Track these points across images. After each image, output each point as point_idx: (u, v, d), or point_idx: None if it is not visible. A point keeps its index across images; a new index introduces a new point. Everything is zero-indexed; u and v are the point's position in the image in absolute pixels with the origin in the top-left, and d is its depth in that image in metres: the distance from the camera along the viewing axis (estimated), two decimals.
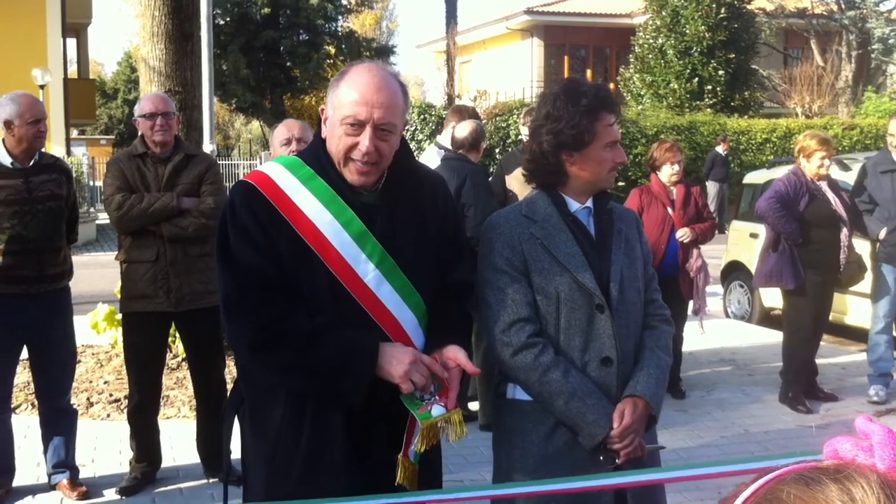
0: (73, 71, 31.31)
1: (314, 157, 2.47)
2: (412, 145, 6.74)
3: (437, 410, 2.40)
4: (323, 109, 2.46)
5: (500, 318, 2.63)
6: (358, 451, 2.40)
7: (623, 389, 2.64)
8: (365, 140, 2.32)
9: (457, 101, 22.04)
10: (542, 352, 2.60)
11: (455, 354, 2.44)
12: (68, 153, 22.03)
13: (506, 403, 2.77)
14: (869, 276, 6.82)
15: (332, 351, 2.33)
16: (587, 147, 2.62)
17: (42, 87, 20.66)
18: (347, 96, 2.34)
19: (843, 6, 29.31)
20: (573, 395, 2.56)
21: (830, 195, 6.47)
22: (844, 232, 6.50)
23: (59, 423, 4.92)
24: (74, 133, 33.72)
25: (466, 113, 6.62)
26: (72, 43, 30.06)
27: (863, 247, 6.94)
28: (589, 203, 2.72)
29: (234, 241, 2.41)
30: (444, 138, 6.55)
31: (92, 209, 21.75)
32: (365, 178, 2.39)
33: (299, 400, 2.41)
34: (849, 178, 7.74)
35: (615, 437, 2.57)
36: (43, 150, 4.85)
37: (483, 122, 6.89)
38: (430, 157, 6.37)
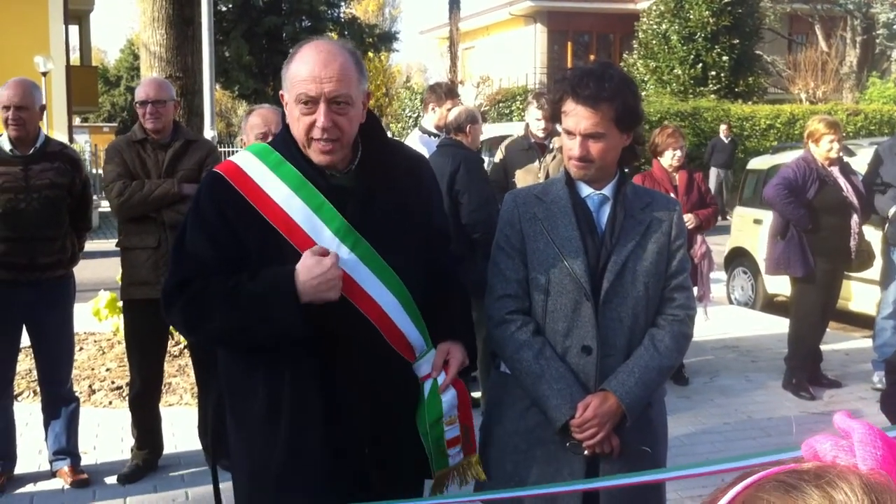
0: (75, 58, 31.25)
1: (282, 142, 2.42)
2: (417, 132, 6.65)
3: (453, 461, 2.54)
4: (282, 95, 2.39)
5: (491, 293, 2.69)
6: (336, 444, 2.36)
7: (602, 381, 2.59)
8: (320, 116, 2.25)
9: (459, 88, 21.95)
10: (519, 329, 2.61)
11: (449, 349, 2.50)
12: (70, 140, 21.99)
13: (496, 375, 2.81)
14: (877, 262, 6.77)
15: (250, 292, 2.27)
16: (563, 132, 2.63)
17: (44, 74, 20.62)
18: (297, 75, 2.28)
19: None
20: (540, 377, 2.55)
21: (842, 181, 6.40)
22: (855, 219, 6.43)
23: (60, 411, 4.90)
24: (77, 120, 33.67)
25: (442, 91, 6.53)
26: (74, 30, 29.99)
27: (873, 234, 6.89)
28: (606, 190, 2.65)
29: (189, 230, 2.39)
30: (428, 122, 6.47)
31: (95, 196, 21.71)
32: (330, 156, 2.32)
33: (276, 392, 2.36)
34: (853, 163, 7.70)
35: (574, 427, 2.54)
36: (49, 137, 4.82)
37: (477, 103, 6.82)
38: (414, 143, 6.24)
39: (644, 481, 2.51)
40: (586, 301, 2.57)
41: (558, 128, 2.75)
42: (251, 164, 2.39)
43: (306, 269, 2.23)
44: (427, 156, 5.54)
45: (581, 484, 2.55)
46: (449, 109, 6.16)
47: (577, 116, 2.52)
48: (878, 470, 0.74)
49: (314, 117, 2.26)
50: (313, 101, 2.26)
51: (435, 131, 6.32)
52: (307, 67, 2.27)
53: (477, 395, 6.05)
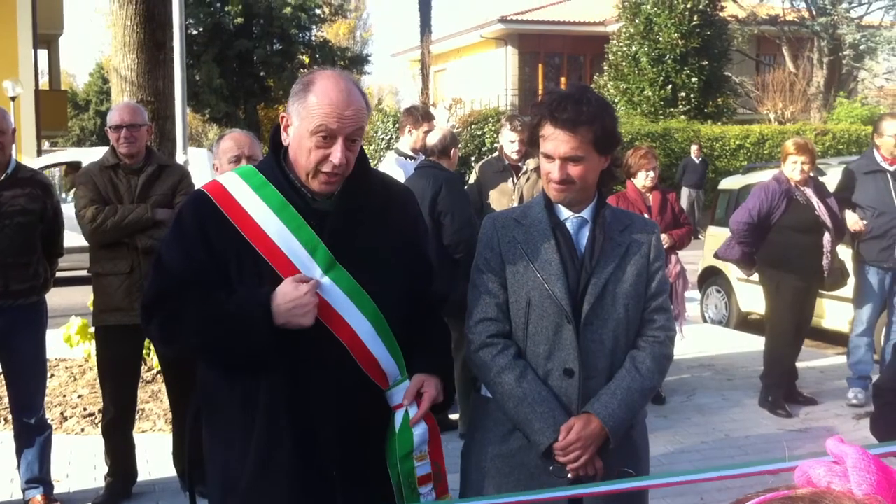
0: (44, 82, 31.06)
1: (269, 165, 2.45)
2: (392, 154, 6.66)
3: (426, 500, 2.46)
4: (283, 117, 2.40)
5: (471, 316, 2.67)
6: (304, 463, 2.36)
7: (584, 404, 2.58)
8: (337, 153, 2.28)
9: (431, 110, 21.96)
10: (501, 353, 2.59)
11: (423, 382, 2.46)
12: None
13: (478, 399, 2.79)
14: (850, 280, 6.82)
15: (227, 312, 2.30)
16: (539, 155, 2.62)
17: (13, 98, 20.45)
18: (318, 107, 2.29)
19: (814, 13, 29.62)
20: (522, 401, 2.54)
21: (815, 200, 6.47)
22: (827, 237, 6.48)
23: (32, 438, 4.82)
24: (46, 144, 33.39)
25: (419, 114, 6.55)
26: (43, 54, 29.83)
27: (846, 253, 6.94)
28: (585, 213, 2.65)
29: (169, 245, 2.43)
30: (404, 144, 6.47)
31: None
32: (332, 187, 2.37)
33: (250, 406, 2.37)
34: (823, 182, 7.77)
35: (558, 450, 2.52)
36: (20, 162, 4.77)
37: (450, 125, 6.83)
38: (390, 166, 6.27)
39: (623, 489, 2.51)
40: (567, 324, 2.56)
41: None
42: (235, 184, 2.42)
43: (283, 293, 2.26)
44: (403, 178, 5.54)
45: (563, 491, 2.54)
46: (426, 132, 6.17)
47: (556, 140, 2.52)
48: (874, 495, 0.73)
49: (329, 151, 2.29)
50: (332, 136, 2.28)
51: (411, 153, 6.33)
52: (329, 102, 2.28)
53: (455, 417, 6.02)
